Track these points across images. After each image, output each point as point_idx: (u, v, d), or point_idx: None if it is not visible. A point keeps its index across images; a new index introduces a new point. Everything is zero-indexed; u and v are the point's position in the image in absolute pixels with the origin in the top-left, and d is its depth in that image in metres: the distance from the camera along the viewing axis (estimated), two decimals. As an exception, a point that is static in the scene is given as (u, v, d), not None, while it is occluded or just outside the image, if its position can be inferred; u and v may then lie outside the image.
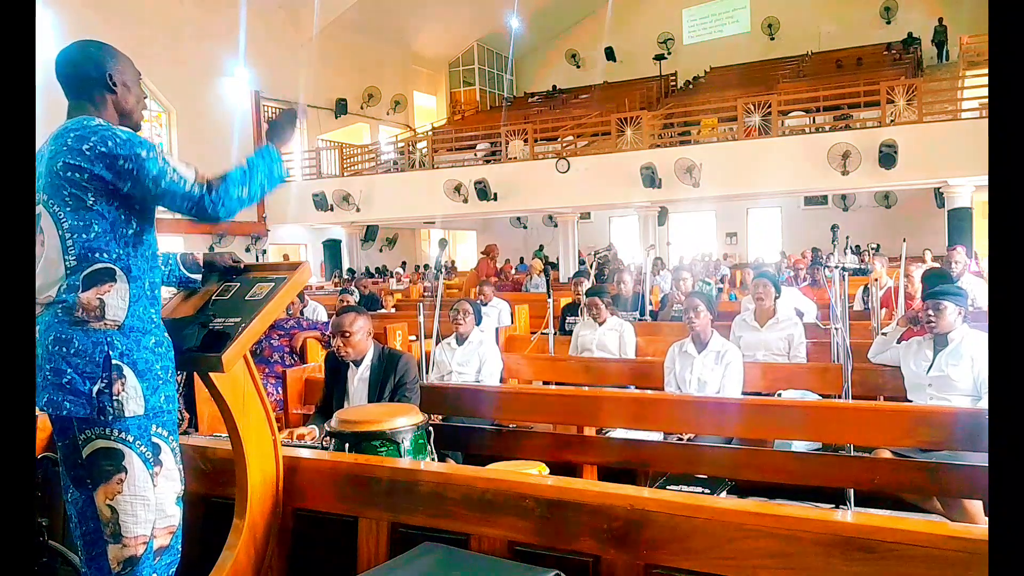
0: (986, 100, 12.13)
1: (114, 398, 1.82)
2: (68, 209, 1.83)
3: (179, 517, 1.97)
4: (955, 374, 3.53)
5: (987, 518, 2.40)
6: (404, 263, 20.87)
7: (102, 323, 1.83)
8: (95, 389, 1.80)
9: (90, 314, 1.83)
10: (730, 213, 20.18)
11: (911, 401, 3.66)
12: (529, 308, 7.74)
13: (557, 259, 16.76)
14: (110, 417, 1.82)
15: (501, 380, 4.87)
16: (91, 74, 1.94)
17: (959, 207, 13.44)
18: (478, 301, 6.11)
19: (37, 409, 2.69)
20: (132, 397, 1.84)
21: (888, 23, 21.09)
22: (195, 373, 2.05)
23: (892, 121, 12.92)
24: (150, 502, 1.88)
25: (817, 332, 5.14)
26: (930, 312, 3.62)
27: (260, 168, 1.98)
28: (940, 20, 19.28)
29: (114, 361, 1.82)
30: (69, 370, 1.80)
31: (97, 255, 1.85)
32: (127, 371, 1.84)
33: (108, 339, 1.83)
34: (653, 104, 19.21)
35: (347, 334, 3.50)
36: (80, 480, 1.94)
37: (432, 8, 20.78)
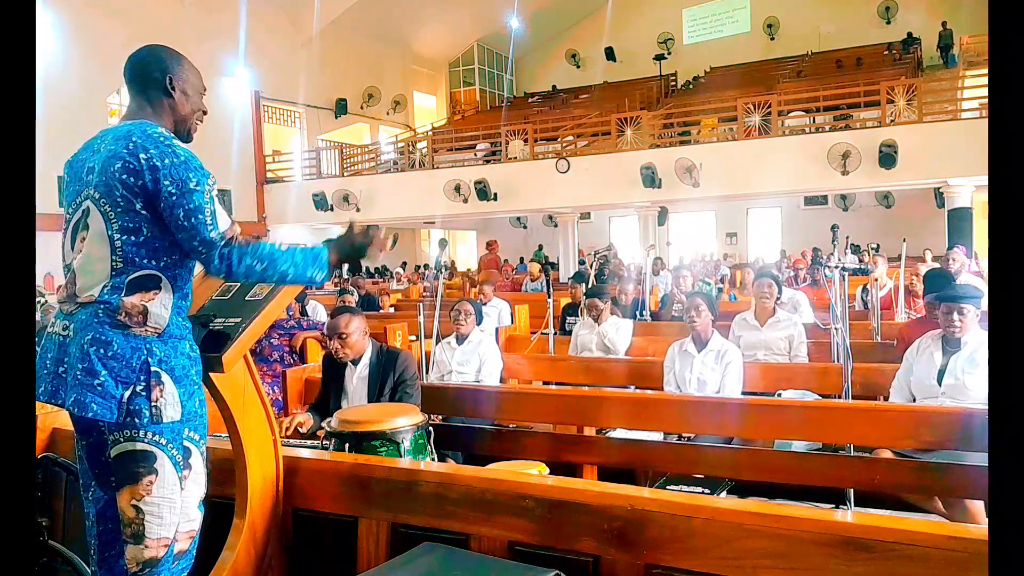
0: (986, 100, 12.13)
1: (153, 404, 1.80)
2: (119, 211, 1.83)
3: (199, 522, 1.95)
4: (971, 383, 3.36)
5: (987, 518, 2.39)
6: (404, 263, 20.86)
7: (144, 329, 1.82)
8: (126, 394, 1.78)
9: (133, 319, 1.81)
10: (730, 213, 20.16)
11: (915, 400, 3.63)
12: (529, 308, 7.74)
13: (557, 259, 16.76)
14: (145, 421, 1.80)
15: (501, 380, 4.87)
16: (154, 74, 1.96)
17: (959, 207, 13.43)
18: (478, 301, 6.11)
19: (49, 408, 2.69)
20: (170, 403, 1.83)
21: (888, 23, 21.07)
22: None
23: (892, 121, 12.92)
24: (176, 505, 1.87)
25: (817, 332, 5.14)
26: (953, 316, 3.41)
27: (298, 261, 1.93)
28: (944, 24, 19.19)
29: (153, 368, 1.81)
30: (104, 372, 1.77)
31: (145, 260, 1.84)
32: (165, 377, 1.83)
33: (148, 345, 1.82)
34: (653, 104, 19.19)
35: (344, 336, 3.49)
36: (104, 478, 1.92)
37: (432, 8, 20.77)
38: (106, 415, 1.77)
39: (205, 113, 2.09)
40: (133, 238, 1.83)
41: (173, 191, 1.82)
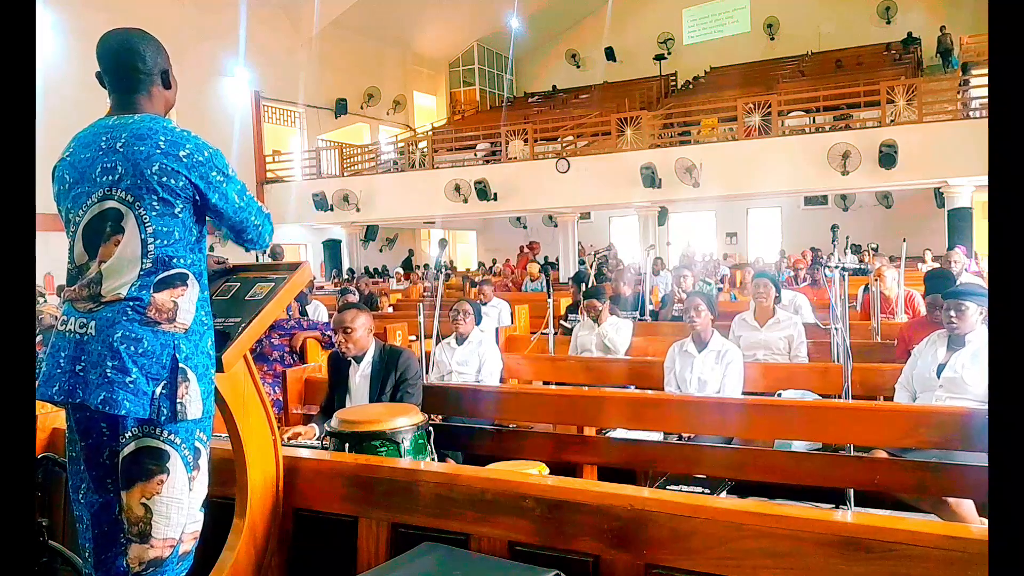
0: (986, 100, 12.13)
1: (177, 401, 1.80)
2: (154, 214, 1.82)
3: (201, 522, 1.95)
4: (969, 377, 3.39)
5: (986, 518, 2.39)
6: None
7: (172, 325, 1.82)
8: (157, 391, 1.78)
9: (163, 315, 1.81)
10: (730, 213, 20.18)
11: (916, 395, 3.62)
12: (529, 308, 7.74)
13: (557, 259, 16.76)
14: (164, 418, 1.79)
15: (501, 380, 4.87)
16: (151, 69, 1.95)
17: (959, 207, 13.44)
18: (478, 301, 6.12)
19: (49, 407, 2.68)
20: (193, 401, 1.83)
21: (888, 23, 21.08)
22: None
23: (892, 121, 12.92)
24: (184, 506, 1.86)
25: (817, 332, 5.14)
26: (951, 313, 3.46)
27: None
28: (943, 28, 19.11)
29: (180, 364, 1.81)
30: (135, 369, 1.76)
31: (173, 261, 1.85)
32: (190, 375, 1.82)
33: (175, 342, 1.82)
34: (653, 104, 19.20)
35: (348, 330, 3.52)
36: (101, 481, 1.89)
37: (432, 8, 20.78)
38: (139, 412, 1.76)
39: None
40: (165, 241, 1.84)
41: (222, 179, 1.89)
